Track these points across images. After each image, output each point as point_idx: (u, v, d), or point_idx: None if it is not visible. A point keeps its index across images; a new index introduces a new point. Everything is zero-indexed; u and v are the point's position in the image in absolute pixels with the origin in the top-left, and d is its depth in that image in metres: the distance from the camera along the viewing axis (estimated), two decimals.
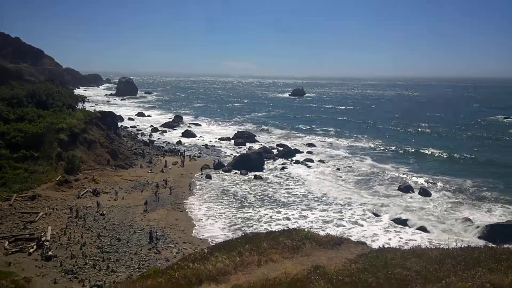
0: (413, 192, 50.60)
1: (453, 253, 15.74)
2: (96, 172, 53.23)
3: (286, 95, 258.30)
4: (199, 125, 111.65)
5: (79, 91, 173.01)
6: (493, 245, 18.54)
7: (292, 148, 76.45)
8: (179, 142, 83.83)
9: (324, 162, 67.45)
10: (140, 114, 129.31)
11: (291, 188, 52.54)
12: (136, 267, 29.53)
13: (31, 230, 34.59)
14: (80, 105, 78.79)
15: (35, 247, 31.08)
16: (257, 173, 58.42)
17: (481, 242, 32.82)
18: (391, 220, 41.06)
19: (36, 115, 56.85)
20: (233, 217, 41.55)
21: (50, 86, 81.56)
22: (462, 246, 17.51)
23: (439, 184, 54.23)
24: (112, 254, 31.33)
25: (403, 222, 40.24)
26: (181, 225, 38.39)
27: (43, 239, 32.36)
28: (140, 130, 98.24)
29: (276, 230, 25.93)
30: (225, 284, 14.64)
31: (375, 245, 25.49)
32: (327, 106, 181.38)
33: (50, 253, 30.15)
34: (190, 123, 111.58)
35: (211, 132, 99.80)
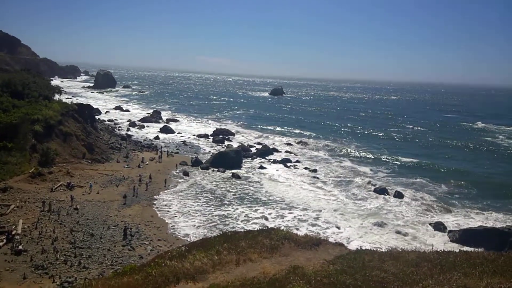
0: (389, 194, 51.40)
1: (429, 257, 15.94)
2: (71, 165, 52.01)
3: (265, 94, 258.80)
4: (178, 121, 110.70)
5: (56, 82, 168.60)
6: (467, 250, 18.85)
7: (270, 147, 76.54)
8: (157, 138, 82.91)
9: (301, 163, 67.74)
10: (118, 108, 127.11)
11: (269, 187, 52.54)
12: (109, 263, 28.97)
13: (2, 223, 33.61)
14: (57, 97, 76.88)
15: (5, 240, 30.23)
16: (235, 171, 58.26)
17: (454, 246, 33.74)
18: (367, 222, 41.57)
19: (11, 105, 55.32)
20: (209, 215, 41.27)
21: (26, 76, 79.47)
22: (438, 250, 17.77)
23: (414, 188, 55.27)
24: (85, 250, 30.68)
25: (378, 224, 40.80)
26: (156, 222, 37.90)
27: (13, 232, 31.44)
28: (118, 124, 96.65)
29: (254, 229, 25.87)
30: (203, 282, 14.43)
31: (350, 247, 25.68)
32: (306, 106, 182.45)
33: (20, 247, 29.30)
34: (168, 119, 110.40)
35: (190, 129, 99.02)
